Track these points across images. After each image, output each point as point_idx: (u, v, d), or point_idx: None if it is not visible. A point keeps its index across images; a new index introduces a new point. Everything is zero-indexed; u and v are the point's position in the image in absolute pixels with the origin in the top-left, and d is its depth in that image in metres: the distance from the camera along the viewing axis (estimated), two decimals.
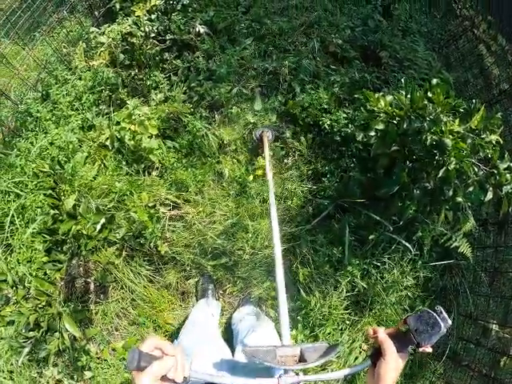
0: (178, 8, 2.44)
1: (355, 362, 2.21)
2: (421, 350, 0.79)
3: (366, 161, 2.11)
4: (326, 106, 2.19)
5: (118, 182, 2.09)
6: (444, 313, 0.77)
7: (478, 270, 2.44)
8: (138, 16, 2.32)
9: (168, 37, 2.46)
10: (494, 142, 1.86)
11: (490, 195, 1.85)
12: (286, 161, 2.26)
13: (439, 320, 0.77)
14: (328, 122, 2.14)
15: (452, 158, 1.75)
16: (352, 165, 2.12)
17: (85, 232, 1.45)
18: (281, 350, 0.84)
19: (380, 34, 2.59)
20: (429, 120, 1.78)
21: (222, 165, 2.14)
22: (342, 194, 2.08)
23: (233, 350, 1.35)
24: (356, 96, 2.18)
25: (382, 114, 1.92)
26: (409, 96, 1.85)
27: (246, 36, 2.54)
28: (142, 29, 2.35)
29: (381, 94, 1.92)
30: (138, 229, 1.90)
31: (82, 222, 1.44)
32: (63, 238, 1.60)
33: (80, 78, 2.43)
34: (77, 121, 2.32)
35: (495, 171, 1.82)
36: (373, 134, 1.89)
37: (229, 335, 2.01)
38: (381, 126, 1.89)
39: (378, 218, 2.05)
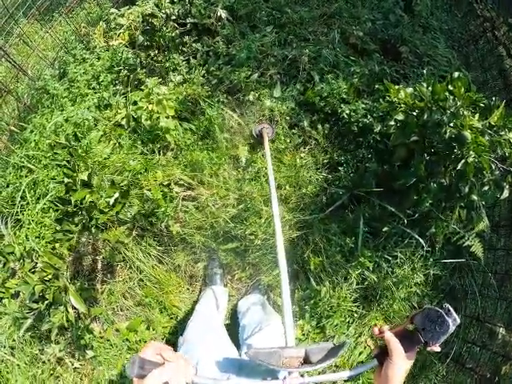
0: None
1: (360, 357, 2.19)
2: (429, 349, 0.77)
3: (382, 152, 2.09)
4: (344, 96, 2.17)
5: (132, 161, 2.08)
6: (452, 311, 0.74)
7: (488, 272, 2.41)
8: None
9: (188, 20, 2.46)
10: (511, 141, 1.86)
11: (506, 193, 1.84)
12: (302, 149, 2.23)
13: (447, 318, 0.74)
14: (347, 111, 2.12)
15: (471, 152, 1.73)
16: (369, 155, 2.10)
17: (98, 204, 1.43)
18: (285, 351, 0.82)
19: (401, 29, 2.57)
20: (449, 113, 1.76)
21: (239, 150, 2.12)
22: (357, 185, 2.06)
23: (237, 345, 1.33)
24: (376, 87, 2.17)
25: (402, 105, 1.91)
26: (430, 88, 1.84)
27: (267, 24, 2.53)
28: (163, 11, 2.35)
29: (401, 86, 1.91)
30: (150, 207, 1.88)
31: (96, 193, 1.42)
32: (75, 209, 1.58)
33: (98, 58, 2.43)
34: (93, 99, 2.31)
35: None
36: (392, 123, 1.87)
37: (233, 323, 1.99)
38: (400, 117, 1.87)
39: (392, 210, 2.03)
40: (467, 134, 1.69)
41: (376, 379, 0.82)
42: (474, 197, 1.89)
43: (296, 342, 1.73)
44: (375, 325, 2.22)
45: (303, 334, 2.13)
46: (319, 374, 0.87)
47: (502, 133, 1.85)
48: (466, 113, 1.76)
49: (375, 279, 2.07)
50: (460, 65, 2.60)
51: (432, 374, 2.25)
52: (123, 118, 2.21)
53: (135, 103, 2.18)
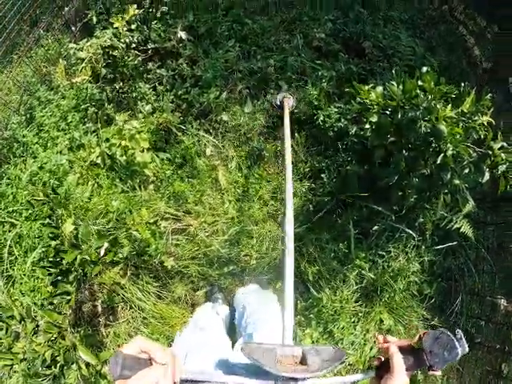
0: (158, 16, 2.39)
1: (371, 352, 2.23)
2: (430, 373, 0.74)
3: (362, 153, 2.11)
4: (316, 103, 2.18)
5: (114, 201, 2.05)
6: (463, 339, 0.73)
7: (481, 248, 2.47)
8: (116, 28, 2.26)
9: (149, 46, 2.42)
10: (485, 124, 1.89)
11: (487, 176, 1.87)
12: (280, 161, 2.24)
13: (458, 346, 0.72)
14: (321, 118, 2.13)
15: (449, 145, 1.77)
16: (349, 159, 2.12)
17: (89, 258, 1.41)
18: (281, 349, 0.78)
19: (362, 25, 2.58)
20: (422, 108, 1.78)
21: (218, 172, 2.11)
22: (342, 189, 2.08)
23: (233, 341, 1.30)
24: (346, 90, 2.18)
25: (374, 106, 1.92)
26: (400, 86, 1.85)
27: (228, 38, 2.51)
28: (123, 40, 2.30)
29: (370, 85, 1.92)
30: (141, 246, 1.87)
31: (85, 249, 1.40)
32: (68, 267, 1.56)
33: (63, 97, 2.37)
34: (64, 142, 2.26)
35: (490, 152, 1.84)
36: (367, 126, 1.88)
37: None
38: (374, 118, 1.89)
39: (379, 209, 2.06)
40: (443, 127, 1.72)
41: None
42: (457, 181, 1.92)
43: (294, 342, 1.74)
44: (381, 314, 2.28)
45: (312, 342, 2.16)
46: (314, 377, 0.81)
47: (476, 118, 1.89)
48: (438, 106, 1.78)
49: (373, 277, 2.11)
50: (424, 51, 2.63)
51: None
52: (98, 156, 2.17)
53: (107, 140, 2.14)
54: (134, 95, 2.30)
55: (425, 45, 2.70)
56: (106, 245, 1.52)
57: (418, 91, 1.81)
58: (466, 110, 1.85)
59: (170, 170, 2.10)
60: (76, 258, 1.37)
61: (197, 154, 2.12)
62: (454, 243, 2.31)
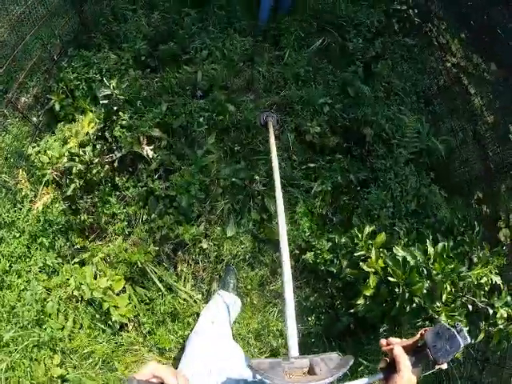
0: (120, 124, 2.02)
1: None
2: (436, 367, 0.75)
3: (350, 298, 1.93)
4: (305, 238, 1.93)
5: (98, 344, 2.01)
6: (464, 330, 0.73)
7: None
8: (70, 148, 1.94)
9: (116, 155, 2.10)
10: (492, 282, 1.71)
11: (480, 337, 1.76)
12: (266, 291, 2.08)
13: (459, 338, 0.72)
14: (312, 258, 1.91)
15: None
16: (339, 302, 1.95)
17: None
18: (288, 362, 0.77)
19: (363, 109, 2.13)
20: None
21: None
22: (329, 333, 1.97)
23: None
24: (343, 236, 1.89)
25: (375, 275, 1.69)
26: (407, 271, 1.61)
27: (205, 134, 2.12)
28: (81, 158, 1.99)
29: (368, 227, 1.70)
30: None
31: None
32: None
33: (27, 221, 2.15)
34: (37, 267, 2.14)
35: (490, 310, 1.71)
36: (360, 302, 1.68)
37: None
38: (369, 292, 1.66)
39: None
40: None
41: None
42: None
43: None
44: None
45: None
46: None
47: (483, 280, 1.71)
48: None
49: None
50: (429, 129, 2.21)
51: None
52: (73, 289, 2.07)
53: (81, 284, 2.01)
54: (104, 219, 2.07)
55: (429, 115, 2.35)
56: None
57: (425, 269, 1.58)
58: (474, 277, 1.65)
59: (149, 317, 1.99)
60: None
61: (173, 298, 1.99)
62: None
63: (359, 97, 2.19)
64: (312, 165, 2.10)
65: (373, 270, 1.68)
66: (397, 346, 0.78)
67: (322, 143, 2.14)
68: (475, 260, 1.75)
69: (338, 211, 2.05)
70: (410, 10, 1.97)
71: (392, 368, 0.76)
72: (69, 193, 2.10)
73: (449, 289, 1.61)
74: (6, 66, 1.89)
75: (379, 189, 2.00)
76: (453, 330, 0.72)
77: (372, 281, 1.67)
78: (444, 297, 1.61)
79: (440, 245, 1.63)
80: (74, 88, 2.21)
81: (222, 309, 1.77)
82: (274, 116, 2.04)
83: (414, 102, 2.35)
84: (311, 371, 0.76)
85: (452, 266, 1.60)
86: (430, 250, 1.62)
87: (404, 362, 0.75)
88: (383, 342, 0.81)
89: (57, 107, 2.20)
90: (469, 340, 0.72)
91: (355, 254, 1.71)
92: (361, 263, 1.69)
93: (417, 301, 1.60)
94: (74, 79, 2.17)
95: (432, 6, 2.51)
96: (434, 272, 1.59)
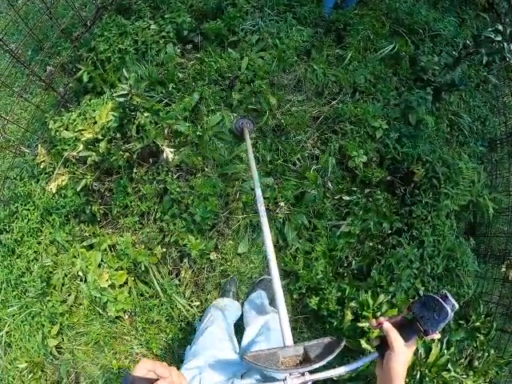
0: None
1: None
2: (429, 337, 0.74)
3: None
4: (317, 283, 1.75)
5: (93, 327, 2.05)
6: (450, 297, 0.71)
7: None
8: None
9: (136, 145, 1.93)
10: None
11: None
12: None
13: (445, 305, 0.71)
14: (316, 303, 1.75)
15: None
16: None
17: None
18: (283, 351, 0.78)
19: (420, 143, 1.80)
20: None
21: None
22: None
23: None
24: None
25: None
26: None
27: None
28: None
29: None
30: None
31: None
32: None
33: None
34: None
35: None
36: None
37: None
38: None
39: None
40: None
41: (378, 371, 0.80)
42: None
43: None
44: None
45: None
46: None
47: None
48: None
49: None
50: (484, 182, 1.84)
51: None
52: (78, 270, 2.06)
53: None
54: (116, 209, 1.98)
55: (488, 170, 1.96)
56: None
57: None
58: None
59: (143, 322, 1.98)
60: None
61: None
62: None
63: (420, 128, 1.84)
64: (347, 198, 1.85)
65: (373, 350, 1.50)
66: (386, 322, 0.78)
67: (365, 175, 1.87)
68: (475, 363, 1.51)
69: (360, 255, 1.83)
70: (505, 44, 1.54)
71: (386, 345, 0.77)
72: (82, 183, 2.01)
73: None
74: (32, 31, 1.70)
75: (410, 244, 1.75)
76: (437, 297, 0.71)
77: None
78: None
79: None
80: (105, 59, 2.02)
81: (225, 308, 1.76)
82: (250, 123, 1.94)
83: (476, 144, 1.97)
84: (306, 357, 0.78)
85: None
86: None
87: (394, 335, 0.75)
88: (373, 321, 0.81)
89: (85, 78, 2.04)
90: (456, 306, 0.71)
91: (358, 325, 1.54)
92: (361, 340, 1.49)
93: None
94: (105, 50, 1.96)
95: None
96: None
